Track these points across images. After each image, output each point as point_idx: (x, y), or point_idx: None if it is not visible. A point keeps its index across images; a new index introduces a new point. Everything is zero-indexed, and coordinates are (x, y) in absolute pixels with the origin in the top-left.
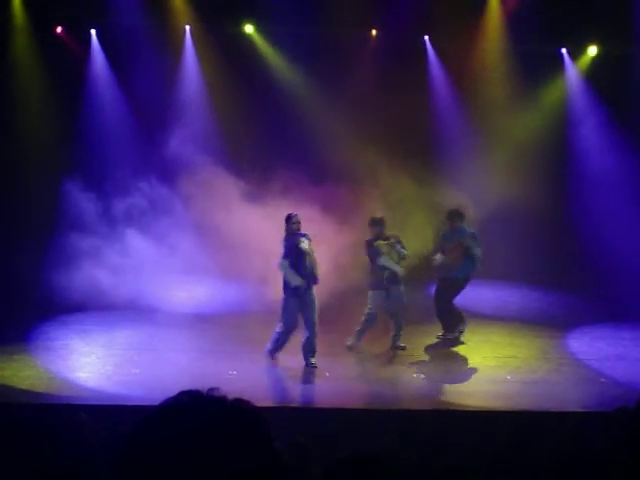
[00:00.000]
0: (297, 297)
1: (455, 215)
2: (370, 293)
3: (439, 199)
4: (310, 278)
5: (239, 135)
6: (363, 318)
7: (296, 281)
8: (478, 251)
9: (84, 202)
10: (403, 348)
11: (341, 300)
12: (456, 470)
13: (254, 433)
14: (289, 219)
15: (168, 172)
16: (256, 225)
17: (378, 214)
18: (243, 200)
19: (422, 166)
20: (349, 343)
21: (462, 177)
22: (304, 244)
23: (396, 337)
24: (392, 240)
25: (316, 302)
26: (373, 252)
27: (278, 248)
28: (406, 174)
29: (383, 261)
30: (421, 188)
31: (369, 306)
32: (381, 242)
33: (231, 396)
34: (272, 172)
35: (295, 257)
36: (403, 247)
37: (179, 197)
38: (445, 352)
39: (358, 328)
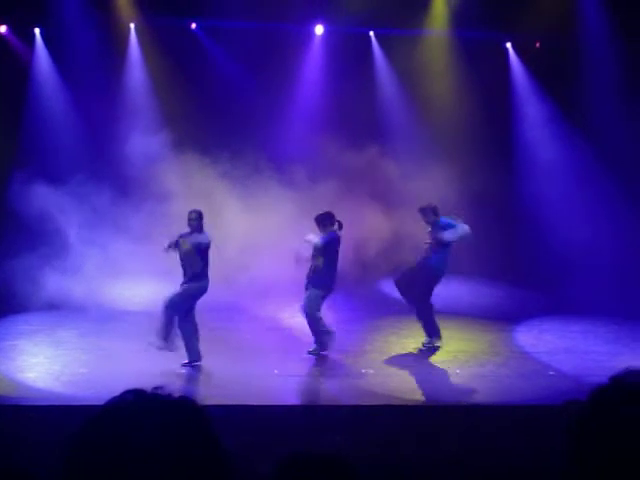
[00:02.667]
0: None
1: (430, 211)
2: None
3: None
4: None
5: (185, 131)
6: None
7: None
8: (449, 235)
9: (30, 200)
10: None
11: None
12: (407, 466)
13: (200, 431)
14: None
15: (114, 169)
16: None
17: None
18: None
19: (368, 157)
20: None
21: (408, 170)
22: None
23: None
24: None
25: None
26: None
27: None
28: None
29: None
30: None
31: None
32: None
33: (177, 394)
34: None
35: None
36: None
37: (125, 193)
38: (394, 347)
39: None
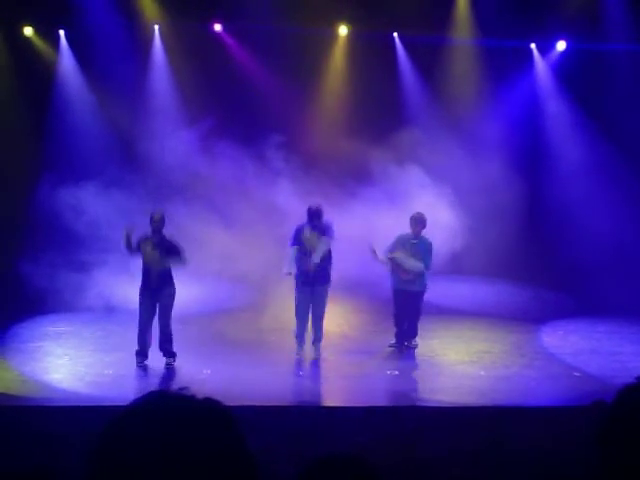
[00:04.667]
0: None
1: (420, 221)
2: None
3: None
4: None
5: (210, 131)
6: None
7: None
8: (429, 264)
9: (57, 200)
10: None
11: None
12: (430, 467)
13: (224, 432)
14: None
15: (140, 169)
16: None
17: None
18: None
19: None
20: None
21: (432, 176)
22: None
23: None
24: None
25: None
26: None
27: None
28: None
29: None
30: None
31: None
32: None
33: (201, 395)
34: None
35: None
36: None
37: (151, 193)
38: (419, 348)
39: None
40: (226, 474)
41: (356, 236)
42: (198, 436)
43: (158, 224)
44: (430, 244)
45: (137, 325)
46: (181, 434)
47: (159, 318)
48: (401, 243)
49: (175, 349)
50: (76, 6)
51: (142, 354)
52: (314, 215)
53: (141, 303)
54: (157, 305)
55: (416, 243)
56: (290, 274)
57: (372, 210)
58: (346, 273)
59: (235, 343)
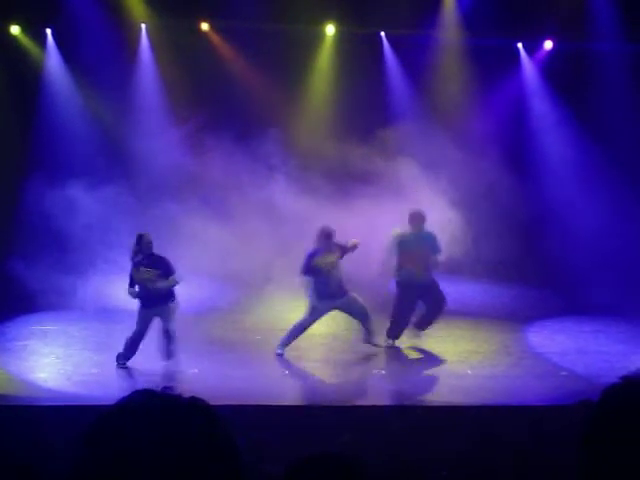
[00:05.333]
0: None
1: (419, 218)
2: None
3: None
4: None
5: (197, 129)
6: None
7: None
8: (440, 256)
9: (45, 199)
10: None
11: None
12: (418, 467)
13: (209, 431)
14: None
15: (128, 168)
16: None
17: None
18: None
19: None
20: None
21: (419, 172)
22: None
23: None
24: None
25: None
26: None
27: None
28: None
29: None
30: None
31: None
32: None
33: (187, 394)
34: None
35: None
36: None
37: (139, 192)
38: (406, 347)
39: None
40: (212, 473)
41: (348, 235)
42: (183, 435)
43: (149, 245)
44: (434, 235)
45: (131, 332)
46: (166, 433)
47: (166, 325)
48: (405, 243)
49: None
50: (63, 5)
51: (125, 358)
52: (328, 237)
53: (142, 317)
54: (159, 318)
55: (422, 238)
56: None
57: (362, 208)
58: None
59: (222, 342)
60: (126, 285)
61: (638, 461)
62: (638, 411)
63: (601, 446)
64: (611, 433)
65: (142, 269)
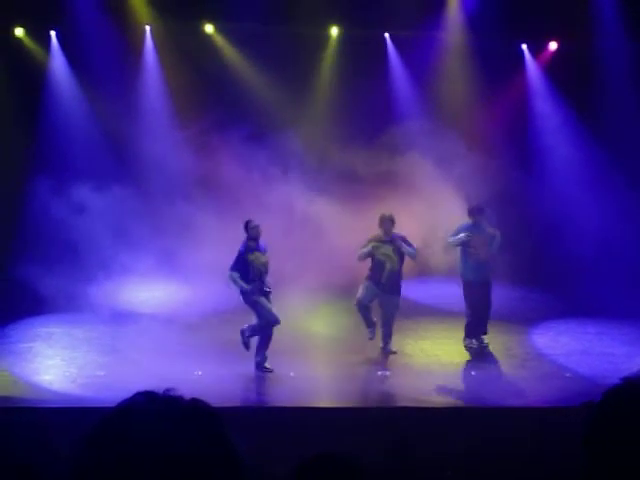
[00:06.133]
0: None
1: (477, 211)
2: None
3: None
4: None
5: (202, 131)
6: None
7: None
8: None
9: (49, 202)
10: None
11: None
12: (422, 467)
13: (211, 434)
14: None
15: (133, 170)
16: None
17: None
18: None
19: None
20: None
21: (424, 172)
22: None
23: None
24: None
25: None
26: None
27: None
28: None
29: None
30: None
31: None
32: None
33: (190, 396)
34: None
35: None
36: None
37: (145, 195)
38: (409, 349)
39: None
40: (214, 476)
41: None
42: (185, 437)
43: (255, 230)
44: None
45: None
46: (167, 435)
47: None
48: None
49: (170, 350)
50: (67, 7)
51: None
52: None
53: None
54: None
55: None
56: None
57: (364, 209)
58: (337, 274)
59: (227, 344)
60: (231, 272)
61: (638, 462)
62: (638, 412)
63: (601, 447)
64: (611, 434)
65: (257, 253)
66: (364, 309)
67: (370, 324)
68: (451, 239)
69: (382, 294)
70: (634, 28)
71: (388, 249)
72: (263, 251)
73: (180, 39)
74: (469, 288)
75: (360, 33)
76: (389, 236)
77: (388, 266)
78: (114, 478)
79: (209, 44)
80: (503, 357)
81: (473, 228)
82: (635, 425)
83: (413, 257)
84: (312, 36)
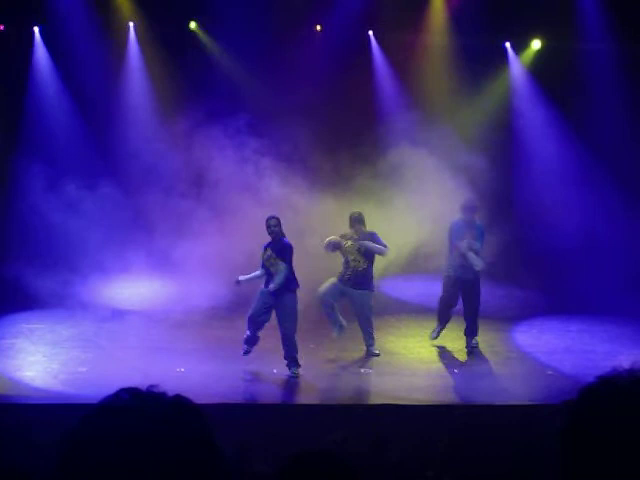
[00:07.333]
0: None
1: (470, 208)
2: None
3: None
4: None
5: (185, 129)
6: None
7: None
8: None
9: (32, 198)
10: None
11: None
12: (404, 465)
13: (193, 430)
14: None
15: (116, 166)
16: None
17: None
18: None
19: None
20: None
21: (408, 171)
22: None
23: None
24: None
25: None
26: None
27: None
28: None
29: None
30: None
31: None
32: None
33: (173, 393)
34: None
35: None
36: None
37: (126, 190)
38: (392, 346)
39: None
40: (196, 472)
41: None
42: (167, 434)
43: (276, 229)
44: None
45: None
46: (150, 431)
47: None
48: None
49: (152, 346)
50: (51, 3)
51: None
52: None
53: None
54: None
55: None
56: None
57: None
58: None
59: (209, 341)
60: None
61: (612, 461)
62: (612, 410)
63: (575, 446)
64: (585, 433)
65: (264, 250)
66: (327, 306)
67: (333, 322)
68: (464, 249)
69: (347, 290)
70: (617, 27)
71: (354, 246)
72: (265, 249)
73: (163, 35)
74: (452, 285)
75: (344, 31)
76: (358, 235)
77: (352, 263)
78: (98, 475)
79: (193, 40)
80: (486, 354)
81: (465, 225)
82: (610, 424)
83: (383, 254)
84: (296, 32)
